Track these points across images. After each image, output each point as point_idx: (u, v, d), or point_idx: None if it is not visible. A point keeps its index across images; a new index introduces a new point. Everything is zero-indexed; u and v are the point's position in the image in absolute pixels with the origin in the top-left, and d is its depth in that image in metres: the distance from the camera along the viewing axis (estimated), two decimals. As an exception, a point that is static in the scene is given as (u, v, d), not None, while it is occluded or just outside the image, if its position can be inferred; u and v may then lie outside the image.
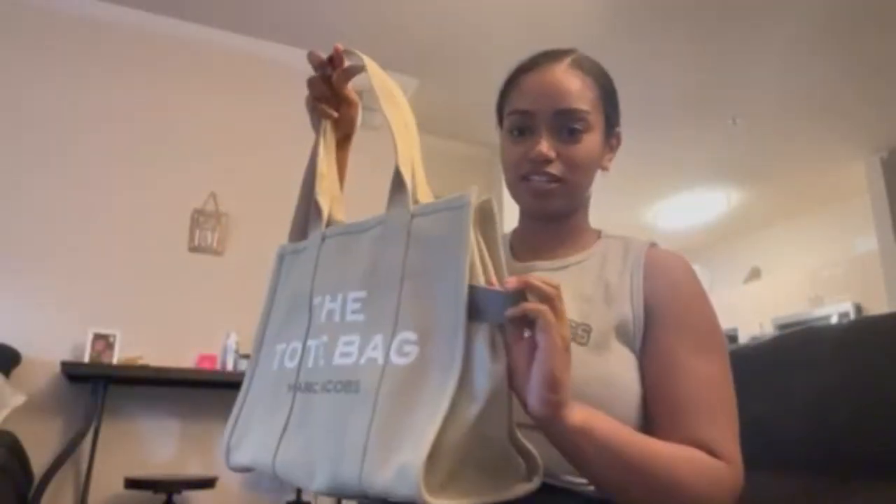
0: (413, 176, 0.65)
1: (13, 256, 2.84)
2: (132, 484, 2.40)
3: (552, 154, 0.79)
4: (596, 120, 0.82)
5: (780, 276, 5.98)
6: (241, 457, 0.67)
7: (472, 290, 0.54)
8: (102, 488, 2.67)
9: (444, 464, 0.51)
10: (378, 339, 0.58)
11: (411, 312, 0.57)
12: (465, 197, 0.57)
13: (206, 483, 2.54)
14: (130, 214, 3.08)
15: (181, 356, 2.91)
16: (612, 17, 3.32)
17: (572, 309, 0.74)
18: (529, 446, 0.59)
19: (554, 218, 0.84)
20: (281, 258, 0.77)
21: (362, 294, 0.62)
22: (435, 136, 4.21)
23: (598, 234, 0.89)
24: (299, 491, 2.84)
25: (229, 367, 2.89)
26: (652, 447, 0.65)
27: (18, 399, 2.37)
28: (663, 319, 0.75)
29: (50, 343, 2.76)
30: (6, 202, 2.89)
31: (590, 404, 0.62)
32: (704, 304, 0.78)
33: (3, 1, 3.09)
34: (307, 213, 0.78)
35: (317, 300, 0.66)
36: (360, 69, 0.76)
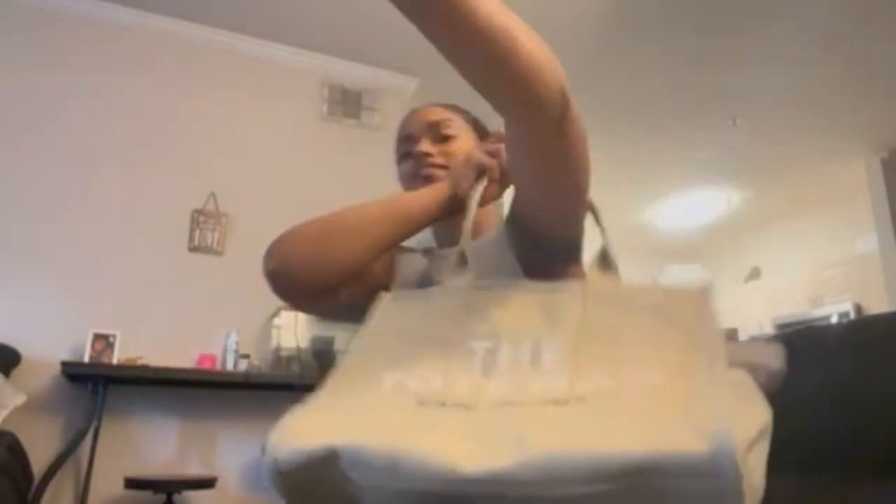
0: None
1: (13, 256, 2.84)
2: (132, 484, 2.40)
3: (432, 150, 0.95)
4: (464, 128, 1.00)
5: (780, 276, 5.98)
6: (308, 440, 0.53)
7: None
8: (102, 488, 2.67)
9: None
10: (598, 374, 0.55)
11: (639, 360, 0.56)
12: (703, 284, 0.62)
13: (206, 483, 2.54)
14: (130, 214, 3.08)
15: (181, 356, 2.91)
16: (612, 18, 3.32)
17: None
18: None
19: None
20: (399, 297, 0.72)
21: (561, 344, 0.59)
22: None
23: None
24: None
25: (229, 367, 2.89)
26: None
27: (18, 399, 2.37)
28: None
29: (50, 343, 2.76)
30: (6, 202, 2.89)
31: None
32: None
33: (4, 0, 3.09)
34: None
35: (481, 343, 0.61)
36: None
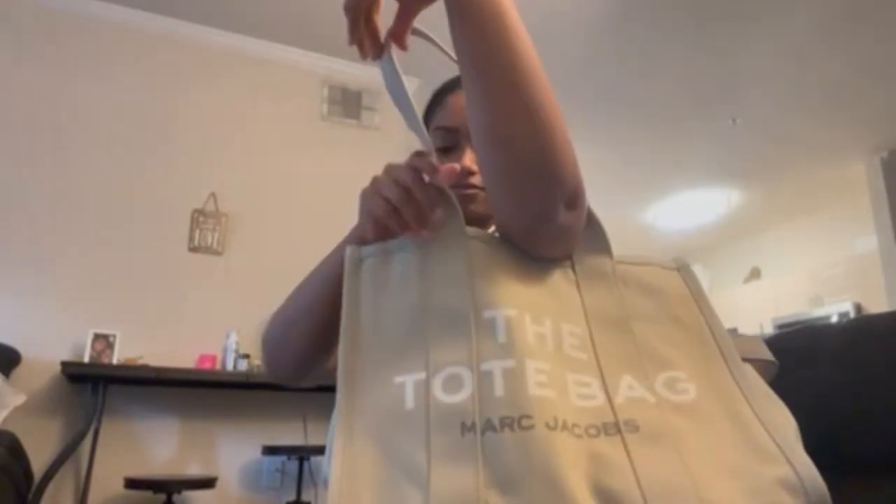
0: None
1: (13, 256, 2.84)
2: (132, 484, 2.40)
3: (475, 167, 0.84)
4: None
5: (780, 276, 5.98)
6: None
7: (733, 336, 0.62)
8: (102, 488, 2.67)
9: None
10: (629, 379, 0.55)
11: (659, 354, 0.58)
12: (683, 260, 0.67)
13: (206, 483, 2.54)
14: (130, 214, 3.08)
15: (181, 356, 2.91)
16: (612, 20, 3.32)
17: None
18: None
19: (482, 222, 0.90)
20: (357, 263, 0.60)
21: (579, 329, 0.58)
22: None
23: None
24: (299, 491, 2.84)
25: (229, 367, 2.89)
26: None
27: (18, 399, 2.37)
28: None
29: (50, 343, 2.76)
30: (6, 203, 2.89)
31: None
32: None
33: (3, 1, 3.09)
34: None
35: (492, 314, 0.54)
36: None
